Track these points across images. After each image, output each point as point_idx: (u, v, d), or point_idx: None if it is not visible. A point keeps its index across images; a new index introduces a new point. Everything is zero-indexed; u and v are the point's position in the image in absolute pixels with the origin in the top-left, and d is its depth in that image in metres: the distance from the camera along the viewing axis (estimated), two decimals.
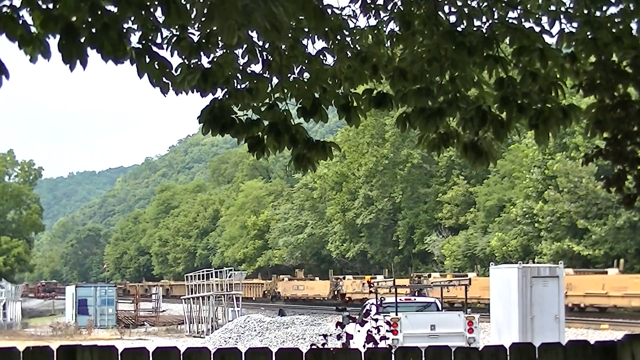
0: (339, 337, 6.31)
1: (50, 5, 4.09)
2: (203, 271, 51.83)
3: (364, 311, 10.09)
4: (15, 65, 4.16)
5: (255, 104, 5.50)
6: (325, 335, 6.84)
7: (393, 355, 4.84)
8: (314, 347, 4.94)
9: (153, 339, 41.98)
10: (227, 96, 5.39)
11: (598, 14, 5.69)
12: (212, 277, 49.22)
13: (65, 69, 4.22)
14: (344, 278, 57.13)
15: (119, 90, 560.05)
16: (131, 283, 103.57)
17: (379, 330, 6.17)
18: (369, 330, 6.12)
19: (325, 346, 5.11)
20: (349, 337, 6.26)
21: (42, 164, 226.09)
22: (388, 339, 6.52)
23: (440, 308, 25.04)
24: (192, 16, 4.58)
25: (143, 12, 4.41)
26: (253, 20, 4.18)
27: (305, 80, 5.62)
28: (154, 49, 4.64)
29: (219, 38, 5.11)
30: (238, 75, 5.40)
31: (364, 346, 5.30)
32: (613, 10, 5.75)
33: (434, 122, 5.56)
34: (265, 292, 70.87)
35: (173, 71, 4.84)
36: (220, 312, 47.71)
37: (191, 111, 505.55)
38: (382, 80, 5.90)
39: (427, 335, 21.89)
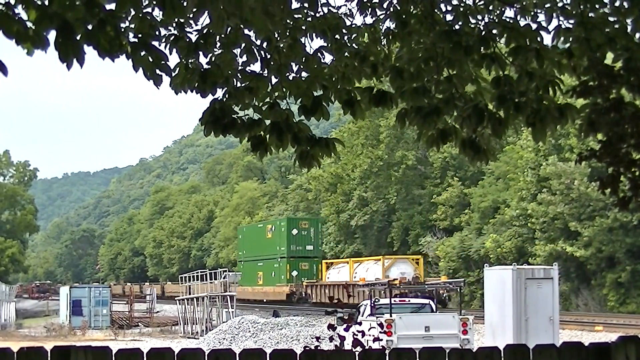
0: (331, 339, 6.30)
1: (46, 2, 4.06)
2: (197, 272, 51.78)
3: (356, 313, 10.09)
4: (10, 65, 4.12)
5: (256, 104, 5.50)
6: (318, 338, 6.83)
7: (387, 357, 4.83)
8: (307, 348, 4.93)
9: (147, 340, 41.92)
10: (227, 96, 5.38)
11: (592, 14, 5.68)
12: (206, 278, 49.19)
13: (60, 70, 4.20)
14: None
15: (114, 92, 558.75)
16: (126, 284, 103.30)
17: (363, 335, 6.13)
18: (354, 334, 6.08)
19: (319, 348, 5.10)
20: (342, 338, 6.25)
21: (36, 164, 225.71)
22: (382, 340, 6.50)
23: (434, 309, 25.08)
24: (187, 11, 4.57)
25: (140, 10, 4.39)
26: (244, 7, 4.17)
27: (305, 78, 5.61)
28: (151, 42, 4.62)
29: (217, 37, 5.10)
30: (237, 74, 5.40)
31: (352, 349, 5.29)
32: (607, 9, 5.73)
33: (432, 120, 5.56)
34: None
35: (169, 64, 4.82)
36: (215, 313, 47.69)
37: (186, 112, 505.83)
38: (382, 78, 5.90)
39: (422, 337, 21.92)
